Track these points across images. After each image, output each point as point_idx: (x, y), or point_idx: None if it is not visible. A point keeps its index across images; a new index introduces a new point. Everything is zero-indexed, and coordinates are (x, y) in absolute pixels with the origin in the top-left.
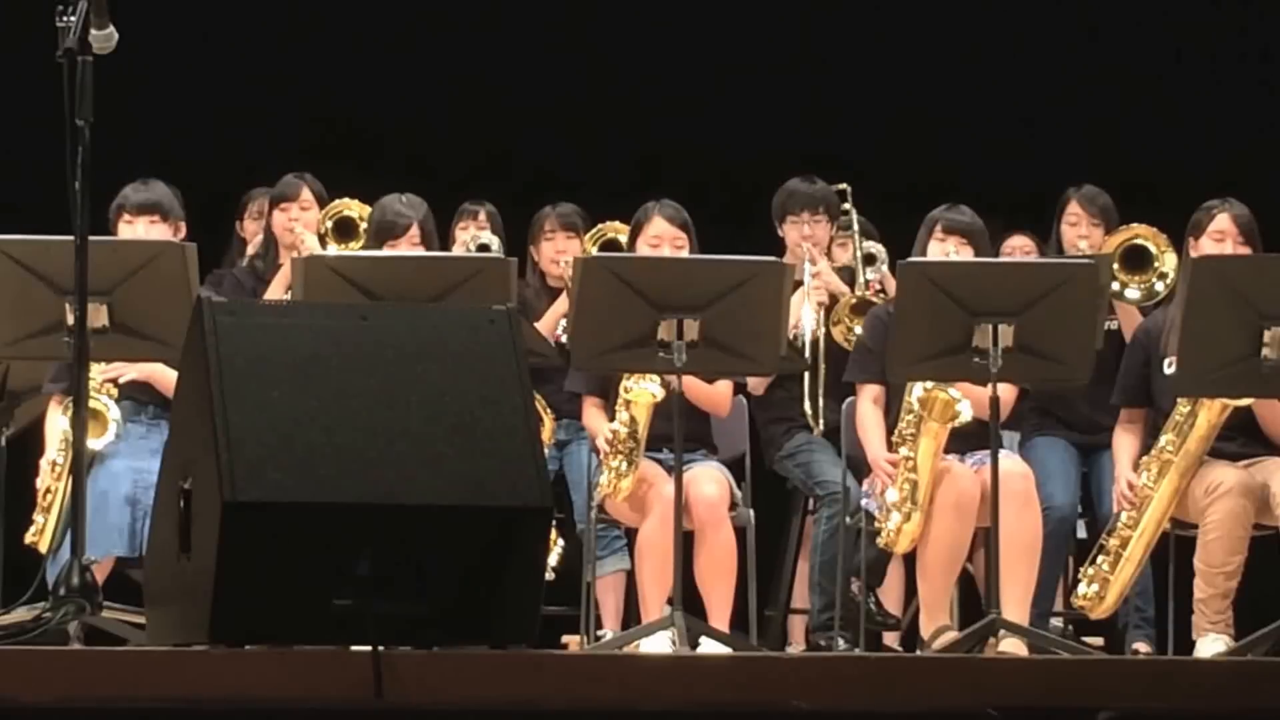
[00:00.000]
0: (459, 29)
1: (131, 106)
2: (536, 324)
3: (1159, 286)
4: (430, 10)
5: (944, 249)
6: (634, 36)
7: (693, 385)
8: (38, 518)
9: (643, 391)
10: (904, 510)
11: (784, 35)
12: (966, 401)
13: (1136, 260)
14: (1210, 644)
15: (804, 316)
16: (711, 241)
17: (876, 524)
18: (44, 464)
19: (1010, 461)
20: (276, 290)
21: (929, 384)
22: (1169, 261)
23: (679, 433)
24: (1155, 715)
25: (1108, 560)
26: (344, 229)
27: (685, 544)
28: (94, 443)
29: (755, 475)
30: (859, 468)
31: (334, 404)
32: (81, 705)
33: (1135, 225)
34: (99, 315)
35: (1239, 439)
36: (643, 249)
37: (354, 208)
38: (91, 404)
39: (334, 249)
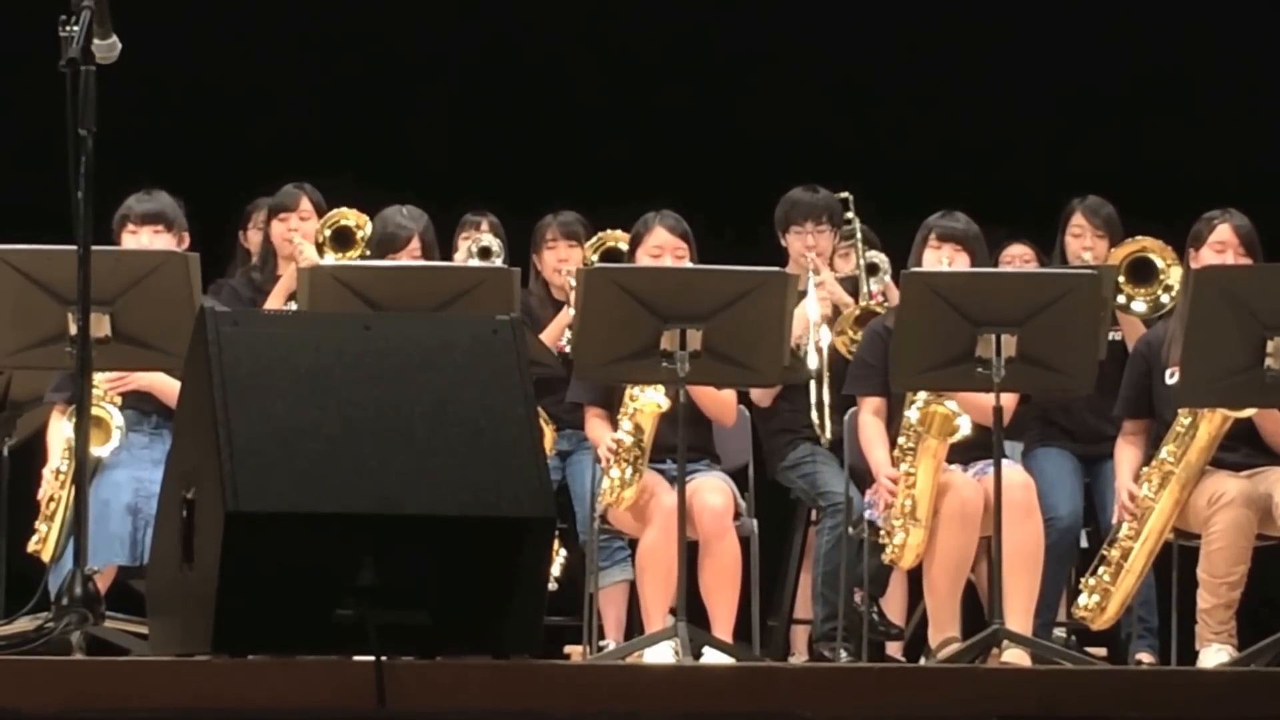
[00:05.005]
0: (460, 35)
1: (135, 117)
2: (541, 334)
3: (1164, 299)
4: (432, 18)
5: (939, 256)
6: (634, 42)
7: (701, 391)
8: (40, 526)
9: (649, 401)
10: (906, 527)
11: (785, 39)
12: (966, 416)
13: (1142, 273)
14: (1214, 654)
15: (810, 328)
16: (712, 251)
17: (881, 539)
18: (47, 472)
19: (1011, 471)
20: (276, 300)
21: (922, 399)
22: (1174, 274)
23: (682, 443)
24: None
25: (1109, 571)
26: (341, 238)
27: (689, 554)
28: (98, 449)
29: (758, 486)
30: (862, 479)
31: (337, 414)
32: (84, 716)
33: (1142, 238)
34: (101, 325)
35: (1242, 449)
36: (643, 259)
37: (351, 217)
38: (95, 411)
39: (331, 258)
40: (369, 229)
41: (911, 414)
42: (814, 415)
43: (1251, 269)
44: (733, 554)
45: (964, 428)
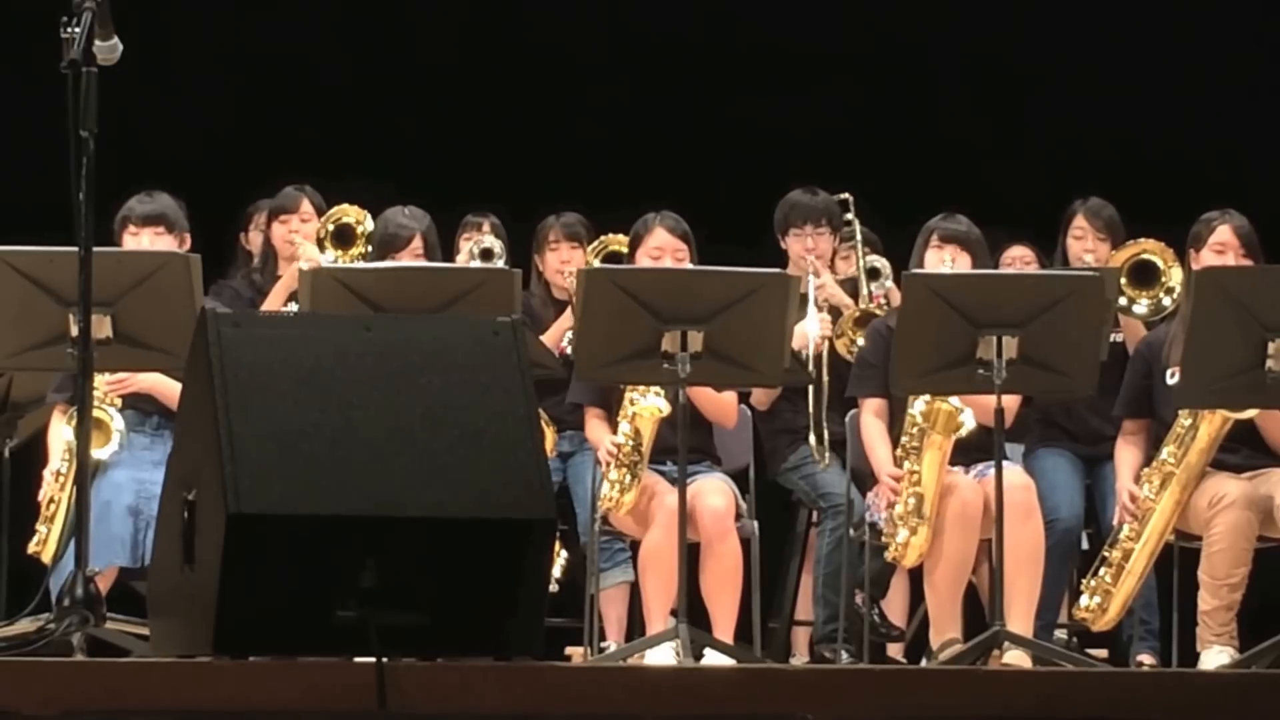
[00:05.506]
0: (461, 35)
1: (136, 118)
2: (542, 336)
3: (1166, 301)
4: (433, 21)
5: (941, 257)
6: (636, 43)
7: (701, 393)
8: (41, 528)
9: (649, 406)
10: (910, 524)
11: (786, 40)
12: (969, 411)
13: (1144, 275)
14: (1215, 656)
15: (810, 332)
16: (712, 253)
17: (884, 538)
18: (47, 474)
19: (1012, 473)
20: (275, 300)
21: (927, 396)
22: (1175, 276)
23: (683, 444)
24: None
25: (1110, 572)
26: (343, 236)
27: (690, 555)
28: (97, 452)
29: (759, 487)
30: (863, 480)
31: (338, 415)
32: (85, 717)
33: (1144, 240)
34: (103, 326)
35: (1242, 451)
36: (643, 260)
37: (352, 214)
38: (95, 414)
39: (332, 255)
40: (369, 224)
41: (916, 408)
42: (812, 439)
43: (1253, 270)
44: (734, 555)
45: (968, 423)
